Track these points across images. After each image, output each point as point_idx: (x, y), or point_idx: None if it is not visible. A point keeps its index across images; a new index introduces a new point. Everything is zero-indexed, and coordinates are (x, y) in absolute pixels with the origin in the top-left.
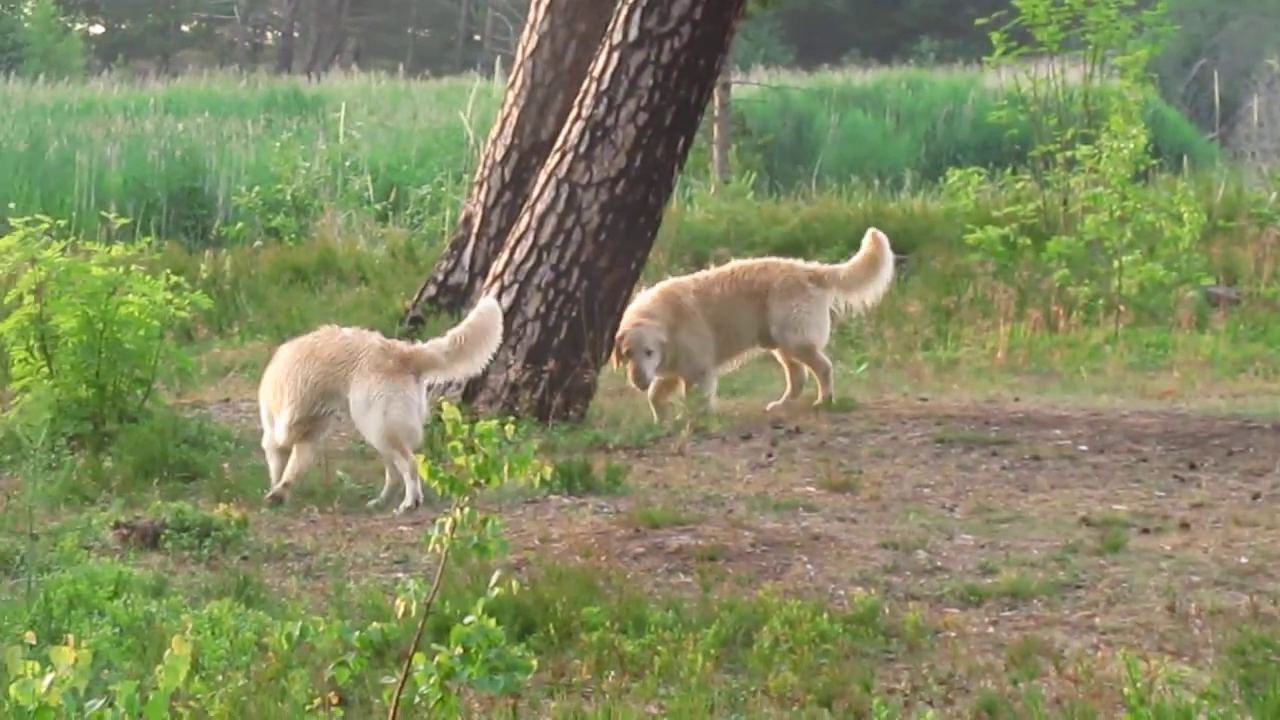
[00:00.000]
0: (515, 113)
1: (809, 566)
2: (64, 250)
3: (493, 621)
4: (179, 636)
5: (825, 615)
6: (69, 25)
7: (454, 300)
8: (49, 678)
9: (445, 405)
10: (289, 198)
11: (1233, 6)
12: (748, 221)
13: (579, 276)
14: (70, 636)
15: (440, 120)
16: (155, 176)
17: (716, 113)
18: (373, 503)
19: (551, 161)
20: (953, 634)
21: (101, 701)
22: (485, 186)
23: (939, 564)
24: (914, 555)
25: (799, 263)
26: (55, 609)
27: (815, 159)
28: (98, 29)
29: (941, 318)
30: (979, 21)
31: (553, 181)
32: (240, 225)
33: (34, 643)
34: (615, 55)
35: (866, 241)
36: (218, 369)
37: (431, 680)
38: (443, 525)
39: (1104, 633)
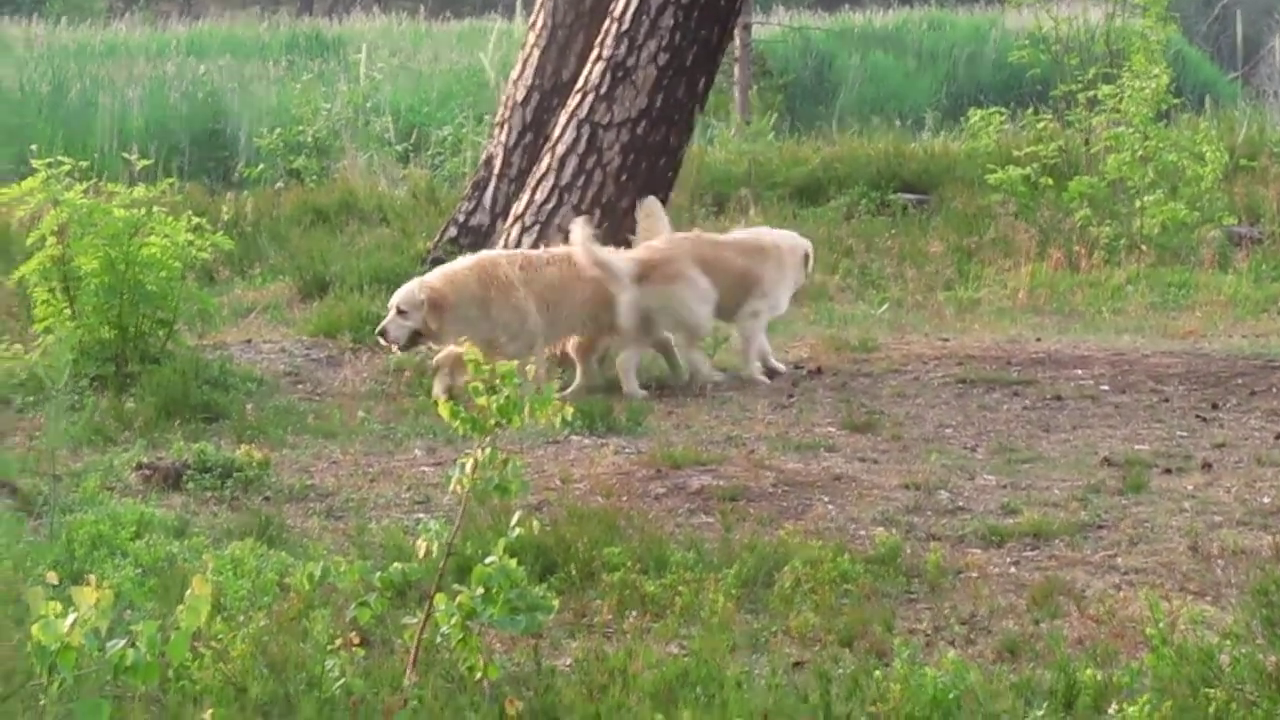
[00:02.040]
0: (536, 53)
1: (830, 507)
2: (86, 192)
3: (514, 562)
4: (200, 576)
5: (846, 555)
6: None
7: (475, 241)
8: (71, 618)
9: (467, 346)
10: (310, 139)
11: None
12: (769, 162)
13: (601, 217)
14: (92, 577)
15: (461, 62)
16: (177, 119)
17: (737, 53)
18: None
19: (572, 102)
20: (974, 574)
21: (123, 641)
22: (506, 127)
23: (960, 504)
24: (935, 495)
25: None
26: (77, 550)
27: (836, 99)
28: None
29: (963, 258)
30: None
31: (574, 122)
32: (262, 167)
33: (56, 583)
34: None
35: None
36: (239, 310)
37: (453, 620)
38: (464, 466)
39: (1126, 573)
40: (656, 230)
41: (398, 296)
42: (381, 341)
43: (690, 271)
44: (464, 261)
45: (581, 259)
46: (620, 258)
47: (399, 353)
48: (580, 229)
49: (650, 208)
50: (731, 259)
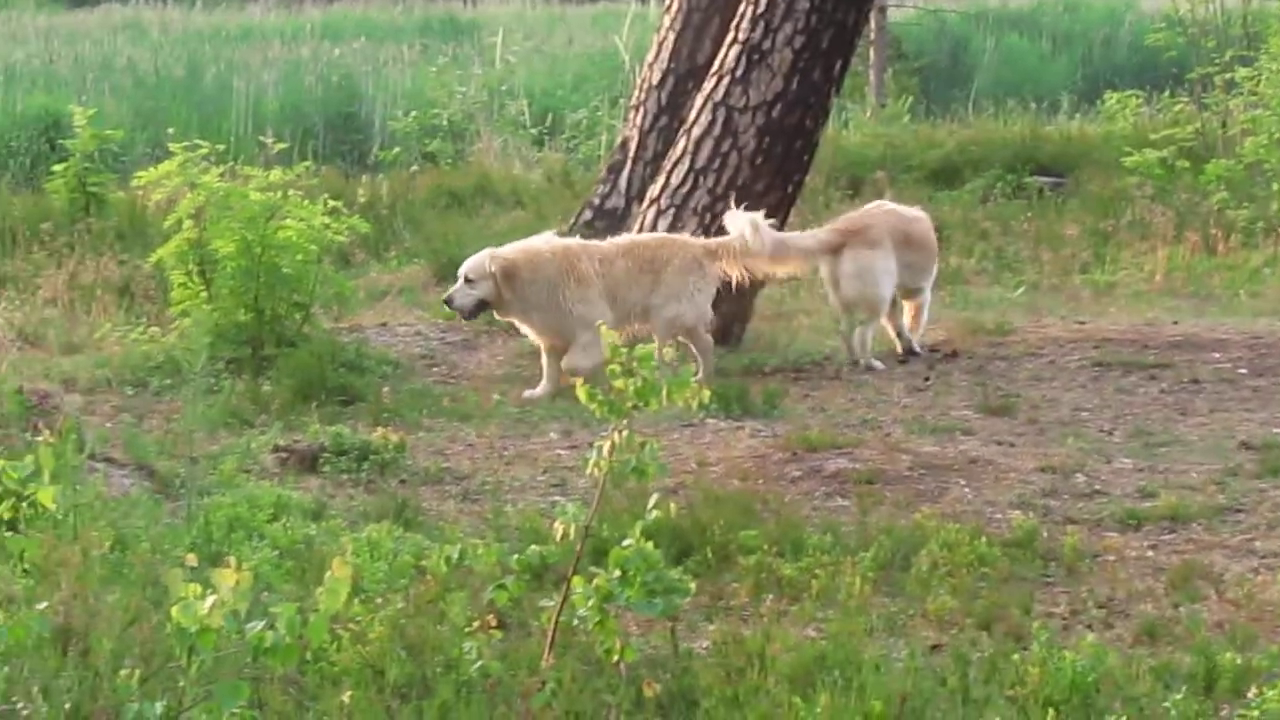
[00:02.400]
0: (671, 37)
1: (967, 490)
2: (222, 175)
3: (651, 545)
4: (339, 559)
5: (983, 539)
6: None
7: (610, 224)
8: (210, 600)
9: (603, 328)
10: (445, 123)
11: None
12: (904, 145)
13: (736, 200)
14: (231, 559)
15: (595, 45)
16: (312, 102)
17: (873, 36)
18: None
19: (708, 85)
20: (1112, 558)
21: (262, 623)
22: (641, 111)
23: (1097, 488)
24: (1072, 479)
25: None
26: (215, 532)
27: (971, 82)
28: None
29: (1099, 241)
30: None
31: (709, 105)
32: (397, 150)
33: (195, 565)
34: None
35: None
36: (375, 293)
37: (590, 603)
38: (601, 448)
39: (1265, 556)
40: None
41: (466, 265)
42: (447, 308)
43: (886, 243)
44: (543, 241)
45: (765, 246)
46: (809, 234)
47: (465, 320)
48: (748, 219)
49: None
50: (926, 233)
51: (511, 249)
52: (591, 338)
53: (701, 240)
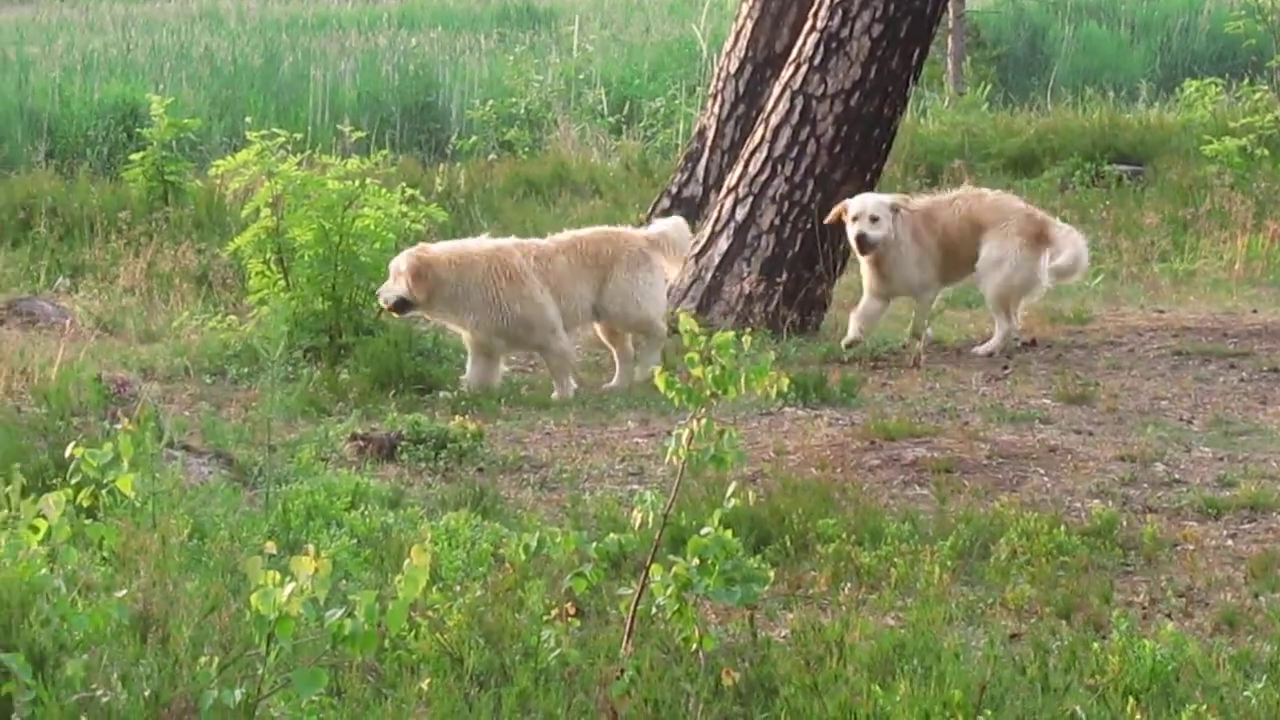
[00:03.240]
0: (749, 25)
1: (1045, 479)
2: (300, 164)
3: (729, 533)
4: (418, 546)
5: (1062, 528)
6: None
7: (688, 212)
8: (289, 587)
9: (682, 316)
10: (523, 111)
11: None
12: (982, 133)
13: (814, 188)
14: (310, 546)
15: (672, 33)
16: (389, 91)
17: (951, 24)
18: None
19: (786, 73)
20: (1191, 547)
21: (341, 611)
22: (719, 99)
23: (1177, 476)
24: (1151, 468)
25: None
26: (293, 520)
27: (1049, 70)
28: None
29: (1178, 229)
30: None
31: (787, 93)
32: (474, 139)
33: (274, 553)
34: None
35: None
36: None
37: (669, 591)
38: (680, 437)
39: None
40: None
41: (394, 260)
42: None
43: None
44: (474, 241)
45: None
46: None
47: (397, 317)
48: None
49: None
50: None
51: (437, 247)
52: (555, 344)
53: (643, 232)
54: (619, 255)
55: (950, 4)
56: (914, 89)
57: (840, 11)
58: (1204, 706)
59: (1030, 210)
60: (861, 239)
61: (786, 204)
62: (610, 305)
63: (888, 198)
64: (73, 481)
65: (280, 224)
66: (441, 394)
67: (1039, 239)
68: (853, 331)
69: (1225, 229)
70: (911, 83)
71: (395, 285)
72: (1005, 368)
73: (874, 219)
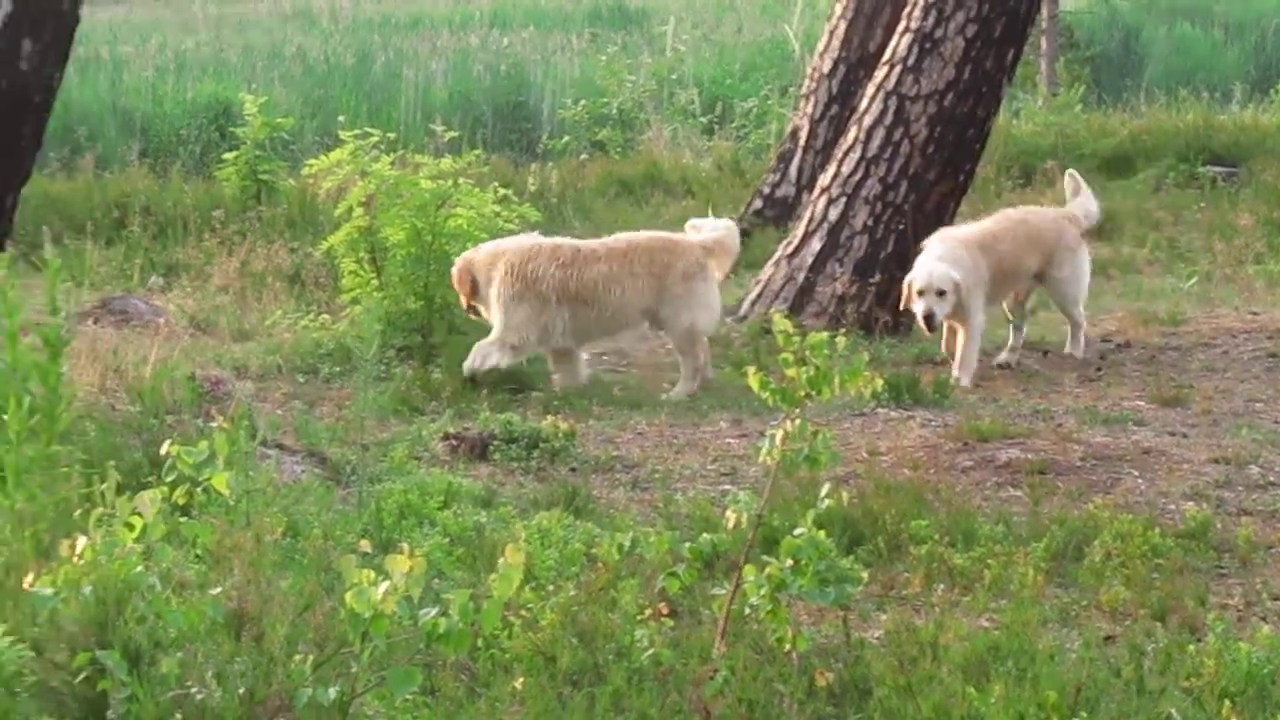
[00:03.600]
0: (843, 25)
1: (1139, 481)
2: (393, 163)
3: (822, 533)
4: (513, 545)
5: (1156, 530)
6: None
7: (780, 213)
8: (384, 585)
9: (776, 317)
10: (615, 111)
11: None
12: (1076, 134)
13: (907, 189)
14: (405, 545)
15: (764, 33)
16: (480, 90)
17: (1044, 25)
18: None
19: (879, 74)
20: None
21: (435, 610)
22: (812, 99)
23: (1272, 479)
24: (1246, 470)
25: None
26: (386, 519)
27: (1143, 71)
28: None
29: (1273, 231)
30: None
31: (881, 94)
32: (566, 139)
33: (368, 551)
34: None
35: None
36: None
37: (762, 591)
38: (773, 437)
39: None
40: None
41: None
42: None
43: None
44: (513, 241)
45: None
46: None
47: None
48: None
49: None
50: None
51: (483, 247)
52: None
53: (698, 239)
54: (674, 263)
55: (1044, 4)
56: (1008, 89)
57: (934, 12)
58: None
59: (1072, 215)
60: (929, 319)
61: (879, 204)
62: (664, 313)
63: (953, 271)
64: (168, 479)
65: (373, 223)
66: (534, 393)
67: (1083, 238)
68: (966, 381)
69: None
70: (1005, 83)
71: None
72: (1099, 369)
73: (940, 293)
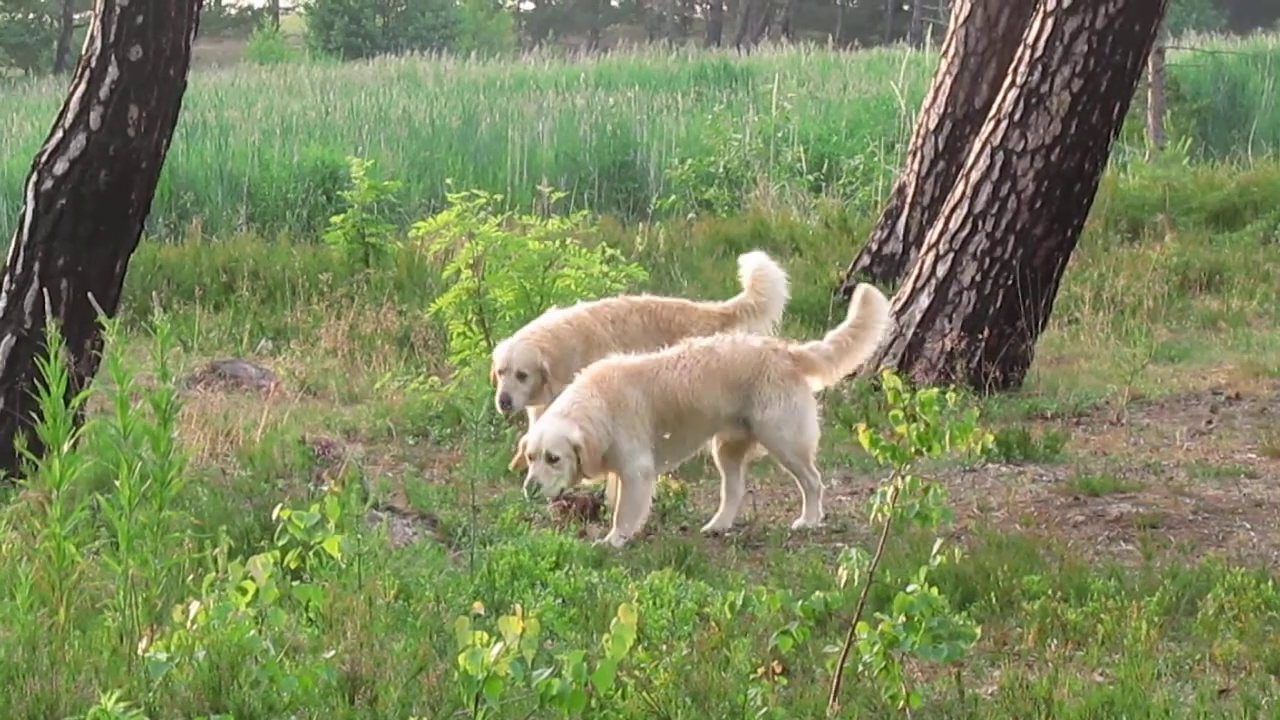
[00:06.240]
0: (948, 81)
1: (1252, 533)
2: (500, 224)
3: (935, 590)
4: (625, 605)
5: (1270, 582)
6: (500, 3)
7: (888, 269)
8: (497, 647)
9: (886, 374)
10: (721, 170)
11: None
12: (1183, 187)
13: (1014, 244)
14: (518, 606)
15: (870, 90)
16: (586, 150)
17: (1150, 78)
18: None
19: (986, 129)
20: None
21: (548, 671)
22: (919, 155)
23: None
24: None
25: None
26: (498, 580)
27: (1249, 123)
28: (528, 5)
29: None
30: None
31: (987, 149)
32: (673, 198)
33: (480, 613)
34: (1049, 21)
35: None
36: None
37: (875, 649)
38: (884, 494)
39: None
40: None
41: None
42: None
43: None
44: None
45: None
46: None
47: None
48: None
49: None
50: None
51: None
52: None
53: (718, 307)
54: (689, 329)
55: (1150, 58)
56: (1114, 143)
57: (1040, 67)
58: None
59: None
60: None
61: (988, 260)
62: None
63: None
64: (279, 543)
65: (481, 285)
66: None
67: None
68: None
69: None
70: (1112, 137)
71: None
72: (1209, 422)
73: None
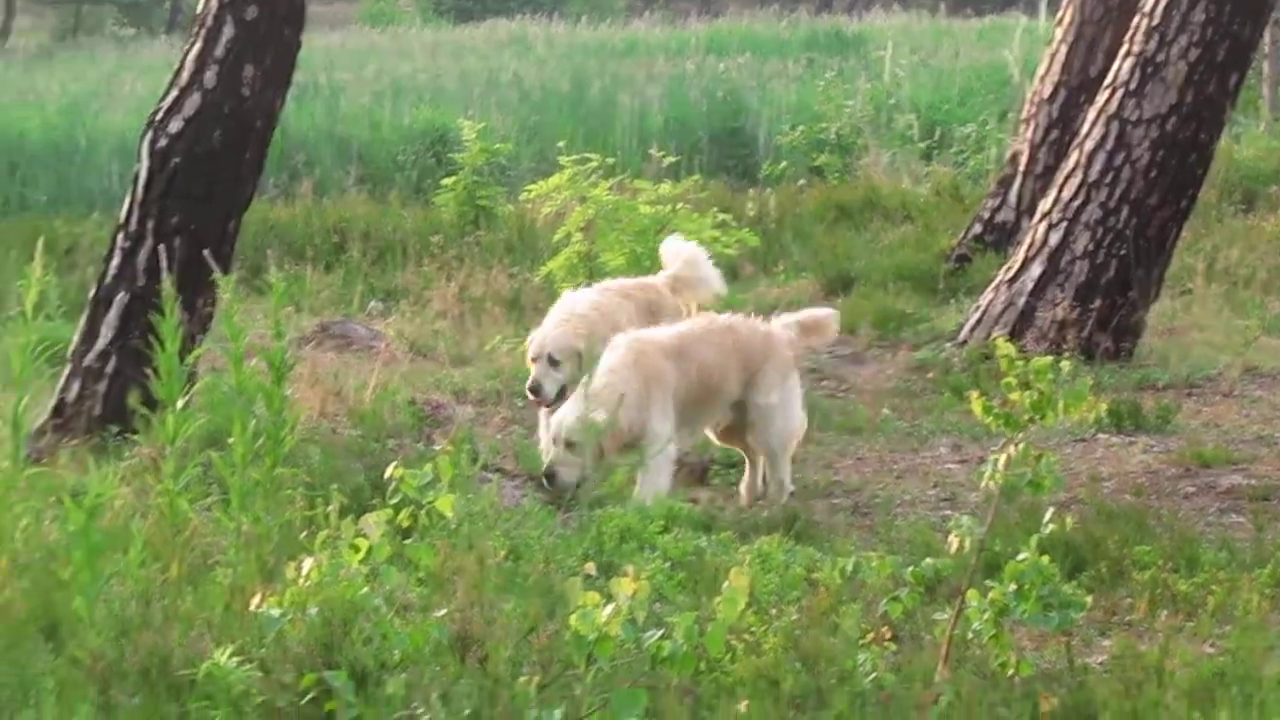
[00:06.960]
0: (1064, 50)
1: None
2: (611, 188)
3: (1045, 559)
4: (737, 569)
5: None
6: None
7: (1000, 238)
8: (609, 608)
9: (999, 342)
10: (833, 136)
11: None
12: None
13: (1128, 214)
14: (630, 568)
15: (982, 59)
16: (696, 116)
17: (1267, 49)
18: None
19: (1101, 98)
20: None
21: (659, 633)
22: (1032, 124)
23: None
24: None
25: None
26: (607, 543)
27: None
28: None
29: None
30: None
31: (1102, 118)
32: (784, 164)
33: (592, 574)
34: None
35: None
36: (763, 306)
37: (985, 616)
38: (996, 461)
39: None
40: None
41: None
42: None
43: None
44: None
45: None
46: None
47: None
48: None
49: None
50: None
51: None
52: None
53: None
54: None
55: (1268, 29)
56: (1230, 114)
57: (1157, 36)
58: None
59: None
60: None
61: (1101, 229)
62: None
63: None
64: (391, 502)
65: (592, 248)
66: None
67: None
68: None
69: None
70: (1229, 108)
71: None
72: None
73: None
